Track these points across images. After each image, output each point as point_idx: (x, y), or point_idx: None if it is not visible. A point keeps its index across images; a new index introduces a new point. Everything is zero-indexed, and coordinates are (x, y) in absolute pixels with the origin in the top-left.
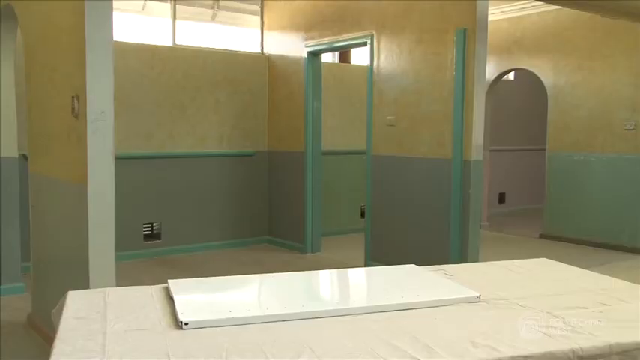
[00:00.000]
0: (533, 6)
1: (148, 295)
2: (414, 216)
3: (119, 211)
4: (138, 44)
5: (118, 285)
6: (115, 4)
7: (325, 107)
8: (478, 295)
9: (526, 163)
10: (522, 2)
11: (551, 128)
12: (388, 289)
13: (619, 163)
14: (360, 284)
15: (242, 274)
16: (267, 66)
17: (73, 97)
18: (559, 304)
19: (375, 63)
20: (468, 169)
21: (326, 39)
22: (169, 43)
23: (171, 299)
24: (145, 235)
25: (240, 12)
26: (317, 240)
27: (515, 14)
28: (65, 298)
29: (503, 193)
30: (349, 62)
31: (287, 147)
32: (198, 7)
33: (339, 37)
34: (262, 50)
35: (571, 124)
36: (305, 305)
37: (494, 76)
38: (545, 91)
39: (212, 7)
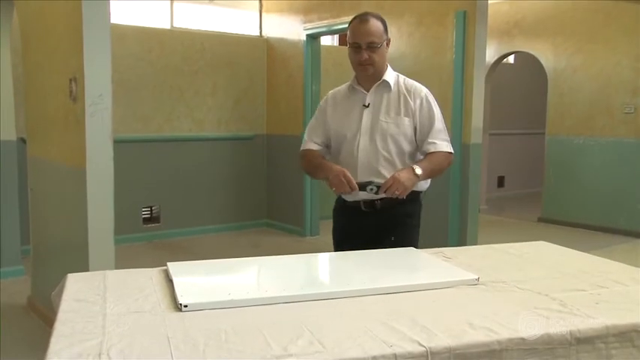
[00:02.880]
0: None
1: (147, 277)
2: None
3: (118, 194)
4: (136, 27)
5: (117, 268)
6: None
7: (324, 90)
8: (476, 277)
9: (525, 146)
10: None
11: (550, 112)
12: (387, 272)
13: (618, 147)
14: (359, 267)
15: (241, 257)
16: (265, 49)
17: (70, 79)
18: (557, 286)
19: None
20: (467, 152)
21: (325, 21)
22: (167, 26)
23: (170, 282)
24: (144, 218)
25: None
26: (315, 223)
27: None
28: (65, 280)
29: (503, 176)
30: None
31: (286, 130)
32: None
33: (338, 20)
34: (261, 33)
35: (571, 108)
36: (304, 288)
37: (494, 60)
38: (546, 74)
39: None
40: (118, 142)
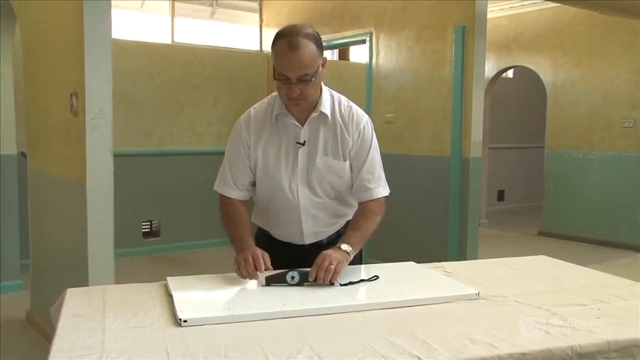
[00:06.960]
0: (533, 3)
1: (147, 292)
2: (412, 213)
3: (118, 208)
4: (136, 42)
5: (116, 282)
6: (113, 2)
7: None
8: (477, 292)
9: (525, 160)
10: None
11: (550, 126)
12: (387, 287)
13: (617, 161)
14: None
15: None
16: (265, 63)
17: (71, 94)
18: (557, 301)
19: (373, 60)
20: (467, 166)
21: (325, 36)
22: (168, 41)
23: (170, 297)
24: (144, 232)
25: (239, 9)
26: None
27: (514, 11)
28: (64, 295)
29: (502, 190)
30: (348, 60)
31: None
32: (196, 4)
33: (338, 35)
34: (261, 48)
35: (570, 122)
36: (304, 303)
37: (493, 74)
38: (545, 88)
39: (211, 5)
40: (118, 156)
